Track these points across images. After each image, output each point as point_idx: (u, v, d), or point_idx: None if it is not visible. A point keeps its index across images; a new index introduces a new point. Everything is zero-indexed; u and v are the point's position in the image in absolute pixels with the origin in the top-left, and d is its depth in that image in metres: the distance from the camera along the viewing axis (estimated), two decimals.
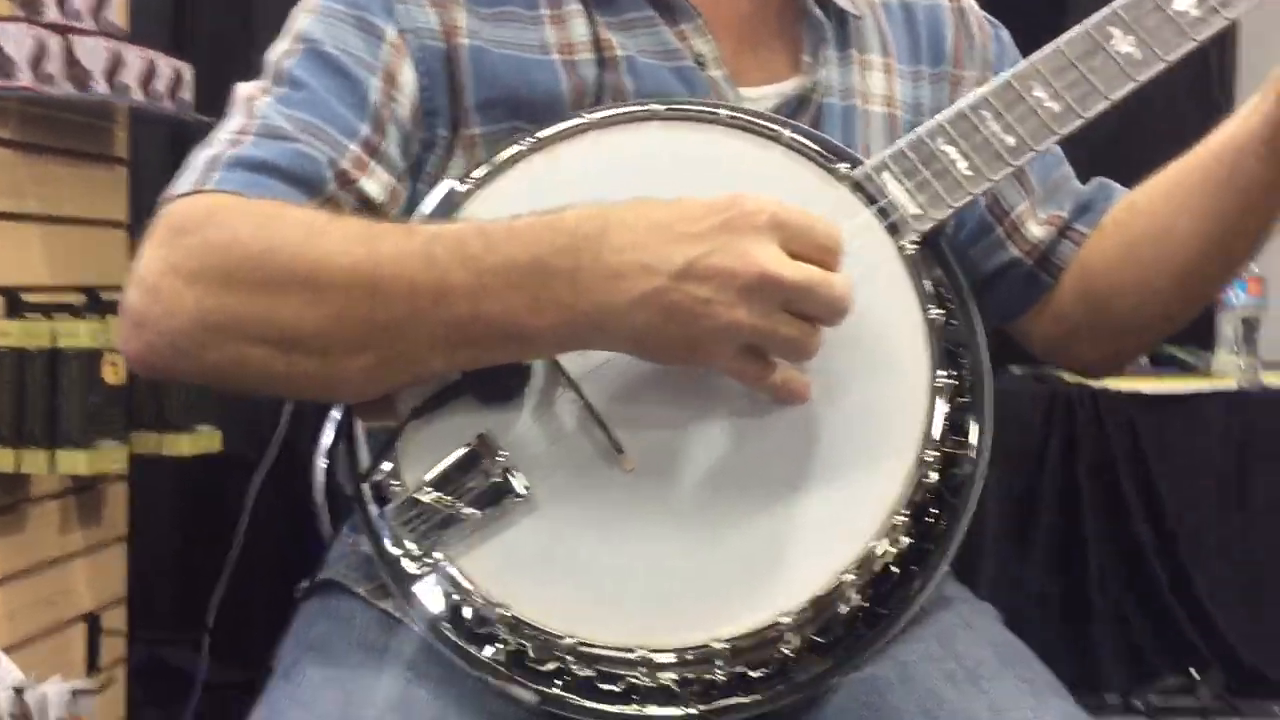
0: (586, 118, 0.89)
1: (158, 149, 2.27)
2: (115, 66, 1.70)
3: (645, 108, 0.89)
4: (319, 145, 0.88)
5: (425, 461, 0.83)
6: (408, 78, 0.92)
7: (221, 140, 0.89)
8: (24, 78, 1.62)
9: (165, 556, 2.35)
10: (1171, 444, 2.28)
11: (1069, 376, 2.13)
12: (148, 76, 1.76)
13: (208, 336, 0.81)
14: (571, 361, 0.83)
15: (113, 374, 1.71)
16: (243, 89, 0.93)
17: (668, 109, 0.89)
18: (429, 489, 0.82)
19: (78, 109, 1.77)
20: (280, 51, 0.94)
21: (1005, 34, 1.10)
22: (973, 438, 0.84)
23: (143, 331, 0.84)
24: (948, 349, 0.84)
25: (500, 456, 0.82)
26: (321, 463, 1.19)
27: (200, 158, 0.89)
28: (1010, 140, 0.87)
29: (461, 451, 0.82)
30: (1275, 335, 2.47)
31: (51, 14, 1.67)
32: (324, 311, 0.79)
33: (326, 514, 1.18)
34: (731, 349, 0.78)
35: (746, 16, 0.99)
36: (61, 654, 1.84)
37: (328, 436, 1.21)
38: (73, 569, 1.87)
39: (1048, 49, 0.89)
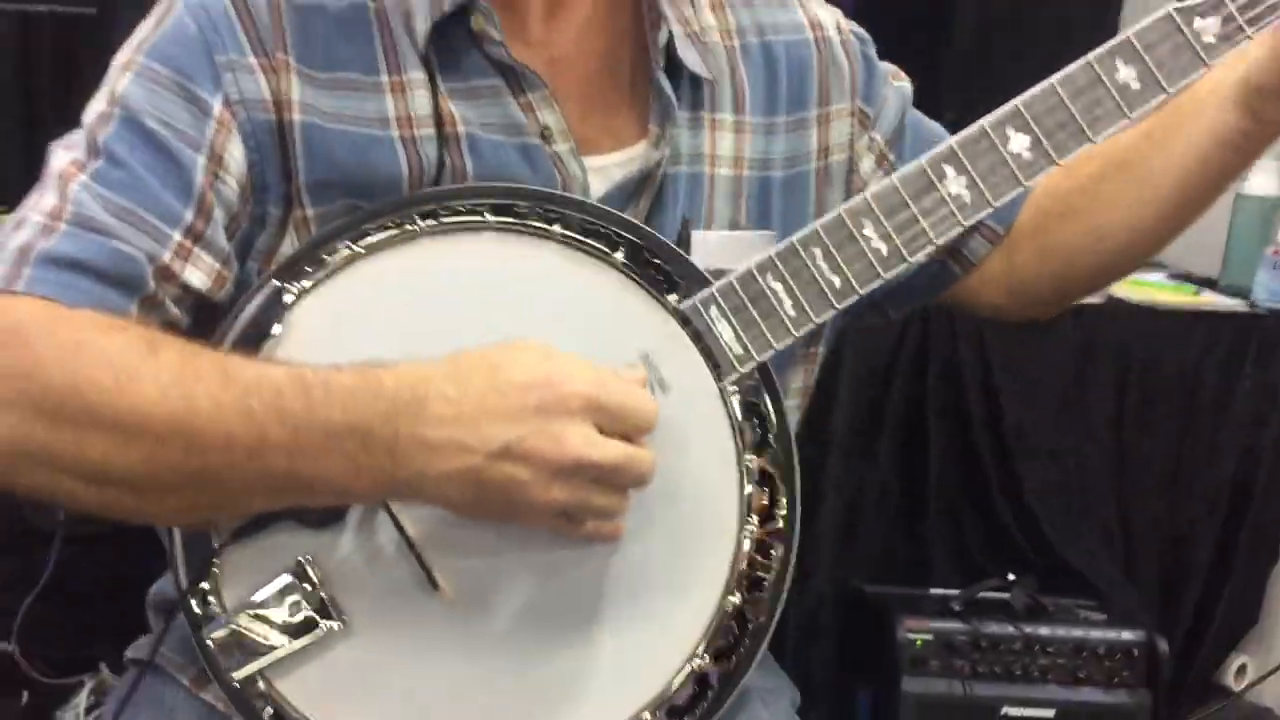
0: (420, 225, 0.87)
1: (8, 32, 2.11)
2: None
3: (480, 217, 0.87)
4: (139, 238, 0.85)
5: (245, 584, 0.84)
6: (235, 154, 0.89)
7: (33, 224, 0.85)
8: None
9: None
10: (1015, 354, 2.36)
11: None
12: None
13: (17, 463, 0.80)
14: None
15: None
16: (57, 159, 0.88)
17: (500, 221, 0.87)
18: (248, 613, 0.84)
19: None
20: (97, 115, 0.89)
21: (871, 49, 1.08)
22: (769, 585, 0.88)
23: None
24: (760, 487, 0.87)
25: (319, 582, 0.84)
26: None
27: (11, 244, 0.85)
28: (836, 281, 0.88)
29: (281, 577, 0.84)
30: None
31: None
32: (136, 456, 0.79)
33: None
34: (545, 519, 0.80)
35: (594, 82, 0.97)
36: None
37: None
38: None
39: (885, 184, 0.89)
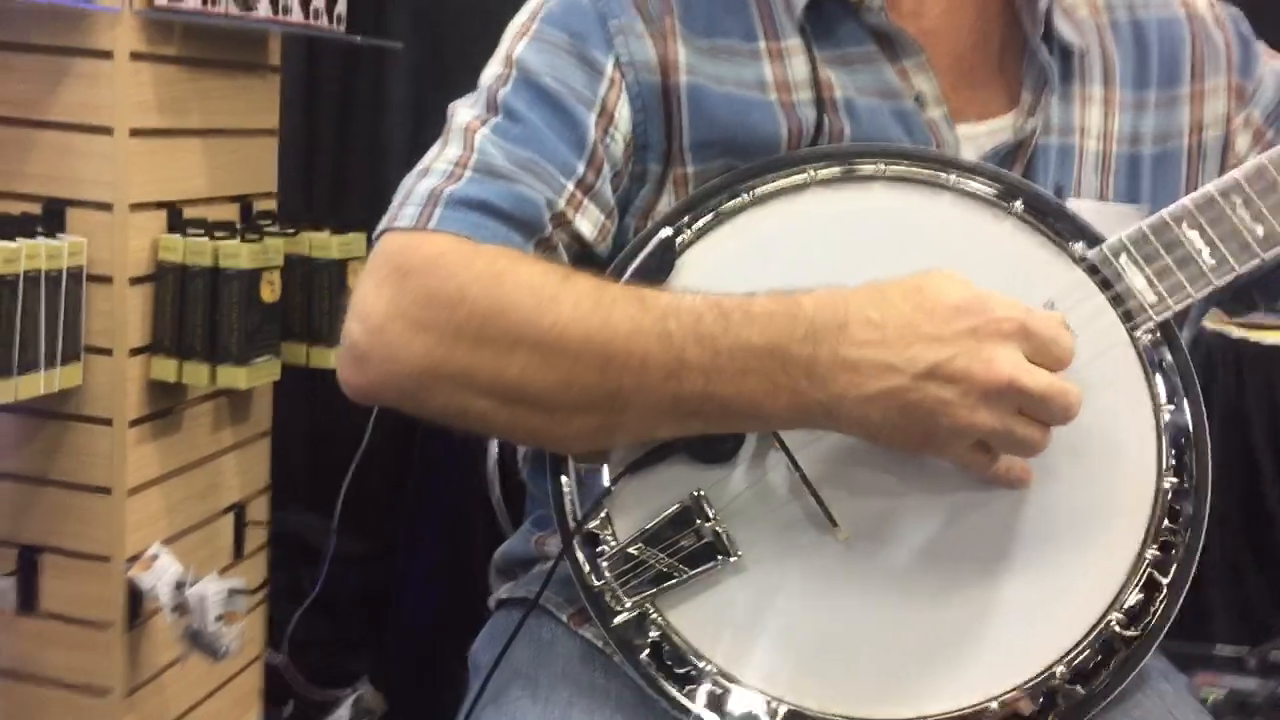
0: (809, 174, 0.87)
1: (299, 56, 2.27)
2: None
3: (872, 166, 0.87)
4: (537, 185, 0.88)
5: (638, 515, 0.85)
6: (623, 114, 0.91)
7: (440, 171, 0.89)
8: (192, 1, 1.62)
9: (302, 448, 2.44)
10: None
11: (1210, 324, 2.10)
12: None
13: (433, 384, 0.83)
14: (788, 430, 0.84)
15: (269, 293, 1.75)
16: (459, 115, 0.93)
17: (892, 173, 0.87)
18: (641, 543, 0.84)
19: (240, 32, 1.77)
20: (495, 76, 0.93)
21: (1246, 26, 1.05)
22: (1184, 544, 0.84)
23: (365, 368, 0.85)
24: (1175, 441, 0.84)
25: (713, 517, 0.84)
26: (494, 458, 1.23)
27: (419, 188, 0.89)
28: (1260, 230, 0.84)
29: (675, 509, 0.84)
30: None
31: None
32: (553, 375, 0.80)
33: (504, 510, 1.22)
34: (964, 445, 0.78)
35: (968, 52, 0.96)
36: (211, 542, 1.94)
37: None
38: (222, 463, 1.95)
39: None
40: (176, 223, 1.73)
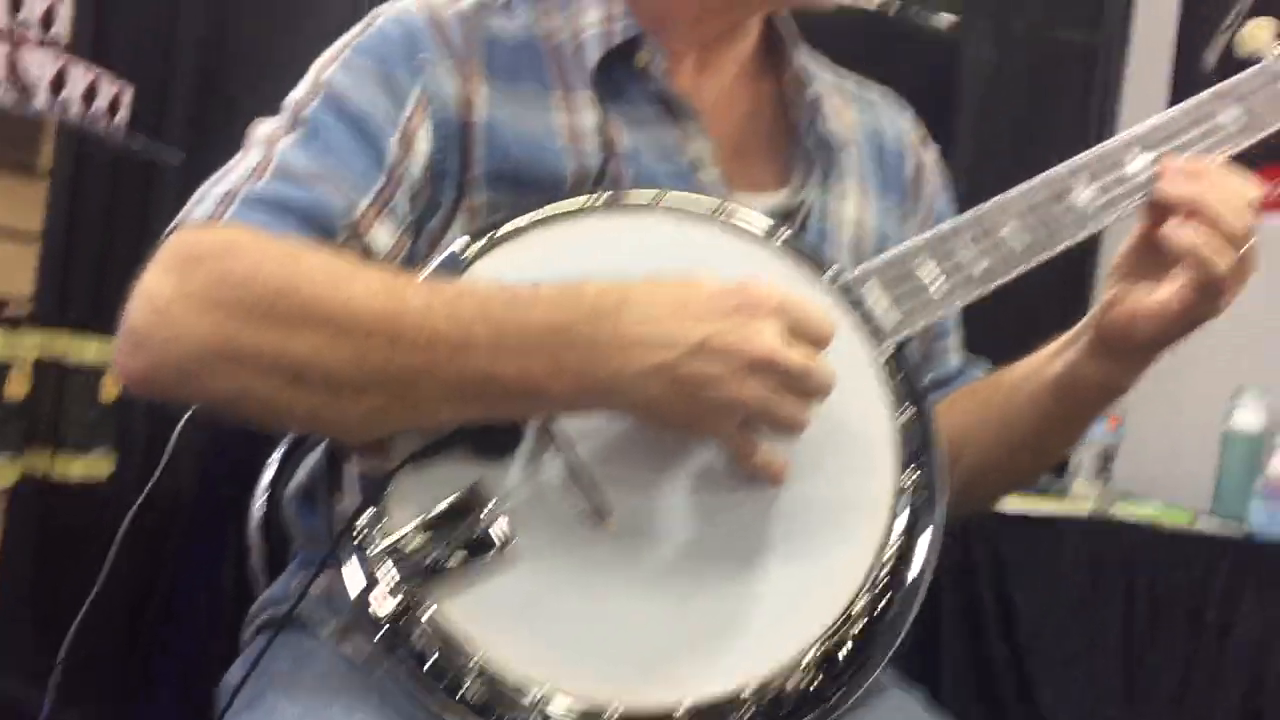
0: (591, 201, 0.94)
1: (71, 161, 2.24)
2: (60, 81, 1.69)
3: (650, 196, 0.94)
4: (334, 194, 0.91)
5: (415, 506, 0.85)
6: (423, 140, 0.96)
7: (237, 176, 0.91)
8: None
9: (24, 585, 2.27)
10: (1030, 562, 2.40)
11: None
12: (90, 94, 1.75)
13: (216, 364, 0.82)
14: (562, 425, 0.87)
15: (16, 387, 1.68)
16: (261, 128, 0.95)
17: (666, 204, 0.94)
18: (418, 532, 0.84)
19: (13, 121, 1.74)
20: (301, 96, 0.97)
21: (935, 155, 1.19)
22: (925, 536, 0.91)
23: (144, 353, 0.84)
24: (909, 442, 0.91)
25: (489, 508, 0.85)
26: (260, 500, 1.20)
27: (214, 191, 0.90)
28: (982, 266, 0.95)
29: (453, 499, 0.85)
30: (1128, 465, 2.64)
31: (1, 21, 1.65)
32: (342, 353, 0.81)
33: (261, 552, 1.19)
34: (732, 422, 0.83)
35: (738, 131, 1.06)
36: None
37: (268, 477, 1.23)
38: None
39: (1021, 189, 0.98)
40: None
